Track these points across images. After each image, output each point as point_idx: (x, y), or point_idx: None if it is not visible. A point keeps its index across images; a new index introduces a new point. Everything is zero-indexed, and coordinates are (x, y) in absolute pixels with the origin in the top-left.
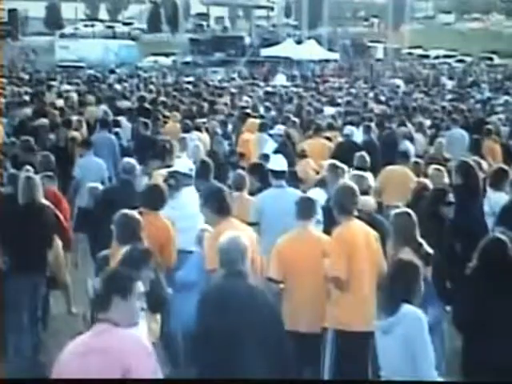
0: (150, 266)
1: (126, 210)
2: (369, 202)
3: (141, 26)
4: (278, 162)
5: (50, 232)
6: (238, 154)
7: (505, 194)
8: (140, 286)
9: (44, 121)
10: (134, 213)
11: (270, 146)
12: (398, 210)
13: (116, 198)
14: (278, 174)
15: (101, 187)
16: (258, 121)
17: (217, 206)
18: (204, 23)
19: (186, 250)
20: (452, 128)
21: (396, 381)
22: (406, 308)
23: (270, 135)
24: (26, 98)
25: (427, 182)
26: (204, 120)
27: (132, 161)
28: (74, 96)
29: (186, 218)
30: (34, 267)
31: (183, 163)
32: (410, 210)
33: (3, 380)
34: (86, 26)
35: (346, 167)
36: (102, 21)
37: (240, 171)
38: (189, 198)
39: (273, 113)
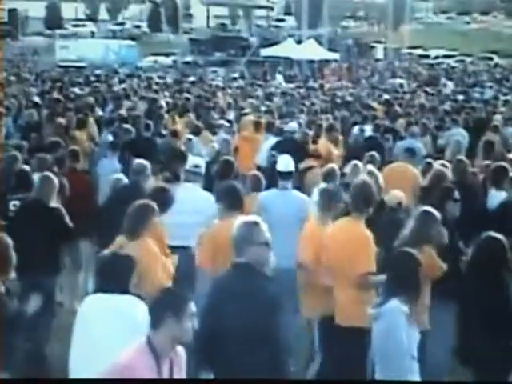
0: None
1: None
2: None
3: (136, 23)
4: (285, 163)
5: (56, 234)
6: (233, 149)
7: (505, 193)
8: (192, 306)
9: (61, 120)
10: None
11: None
12: (426, 208)
13: (123, 199)
14: (285, 175)
15: (125, 179)
16: (255, 120)
17: (229, 202)
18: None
19: (173, 245)
20: (452, 128)
21: (396, 381)
22: (391, 304)
23: (282, 132)
24: (36, 99)
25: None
26: (213, 121)
27: (143, 162)
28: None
29: (179, 213)
30: (37, 267)
31: (190, 161)
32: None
33: (3, 380)
34: (76, 25)
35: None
36: (93, 20)
37: (256, 172)
38: (187, 194)
39: (274, 112)
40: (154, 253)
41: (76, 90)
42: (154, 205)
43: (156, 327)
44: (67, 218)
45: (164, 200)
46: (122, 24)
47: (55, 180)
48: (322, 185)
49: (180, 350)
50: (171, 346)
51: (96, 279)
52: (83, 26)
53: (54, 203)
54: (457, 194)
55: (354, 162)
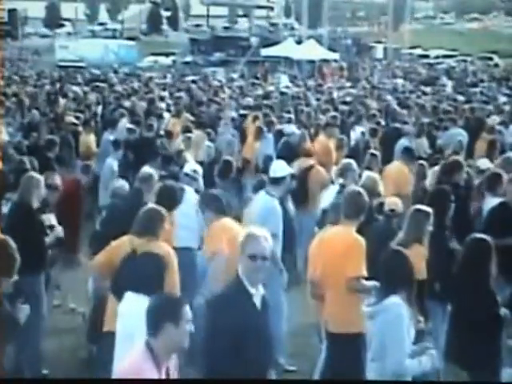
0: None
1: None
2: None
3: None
4: (274, 169)
5: (40, 234)
6: (243, 159)
7: (501, 198)
8: (188, 310)
9: (71, 119)
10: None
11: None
12: (419, 206)
13: (123, 207)
14: (273, 180)
15: (127, 187)
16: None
17: (214, 206)
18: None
19: (181, 246)
20: (450, 128)
21: (396, 381)
22: (391, 300)
23: (282, 134)
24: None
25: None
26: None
27: (150, 170)
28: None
29: (182, 216)
30: (25, 267)
31: (189, 165)
32: (429, 209)
33: (3, 380)
34: (61, 25)
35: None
36: (69, 20)
37: (263, 175)
38: (187, 197)
39: (276, 113)
40: (173, 254)
41: (77, 90)
42: (164, 211)
43: (155, 334)
44: (42, 219)
45: (172, 198)
46: (103, 24)
47: (38, 180)
48: (333, 190)
49: (173, 356)
50: (170, 352)
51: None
52: (61, 25)
53: (36, 203)
54: (452, 196)
55: (347, 160)
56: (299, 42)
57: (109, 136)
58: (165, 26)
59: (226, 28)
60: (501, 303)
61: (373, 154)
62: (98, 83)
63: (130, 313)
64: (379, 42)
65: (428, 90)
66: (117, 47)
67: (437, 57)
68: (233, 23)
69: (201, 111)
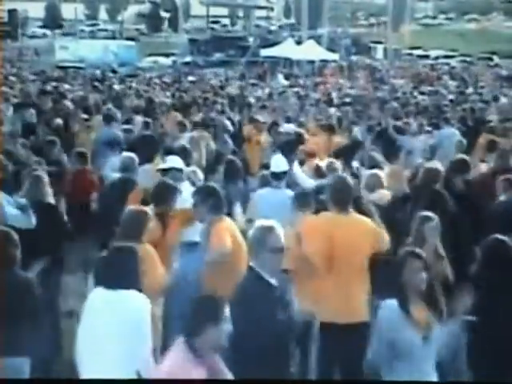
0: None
1: (134, 206)
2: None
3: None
4: (278, 164)
5: (56, 233)
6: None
7: None
8: (227, 310)
9: (59, 121)
10: (144, 208)
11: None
12: (426, 214)
13: (115, 197)
14: (278, 175)
15: (113, 176)
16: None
17: (212, 205)
18: None
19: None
20: (444, 127)
21: (396, 381)
22: (386, 303)
23: (280, 133)
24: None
25: None
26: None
27: (132, 155)
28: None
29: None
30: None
31: (176, 159)
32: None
33: (3, 380)
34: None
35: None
36: (62, 20)
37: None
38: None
39: (276, 113)
40: (152, 258)
41: (77, 90)
42: (150, 211)
43: (197, 334)
44: (64, 216)
45: (170, 195)
46: (95, 25)
47: (45, 177)
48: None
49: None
50: (211, 351)
51: (100, 273)
52: (61, 26)
53: (52, 199)
54: (449, 197)
55: (331, 160)
56: (299, 43)
57: (108, 130)
58: (164, 27)
59: (216, 22)
60: None
61: (370, 156)
62: (97, 83)
63: (97, 309)
64: (379, 43)
65: (428, 90)
66: (116, 48)
67: (437, 57)
68: (233, 25)
69: (200, 111)
